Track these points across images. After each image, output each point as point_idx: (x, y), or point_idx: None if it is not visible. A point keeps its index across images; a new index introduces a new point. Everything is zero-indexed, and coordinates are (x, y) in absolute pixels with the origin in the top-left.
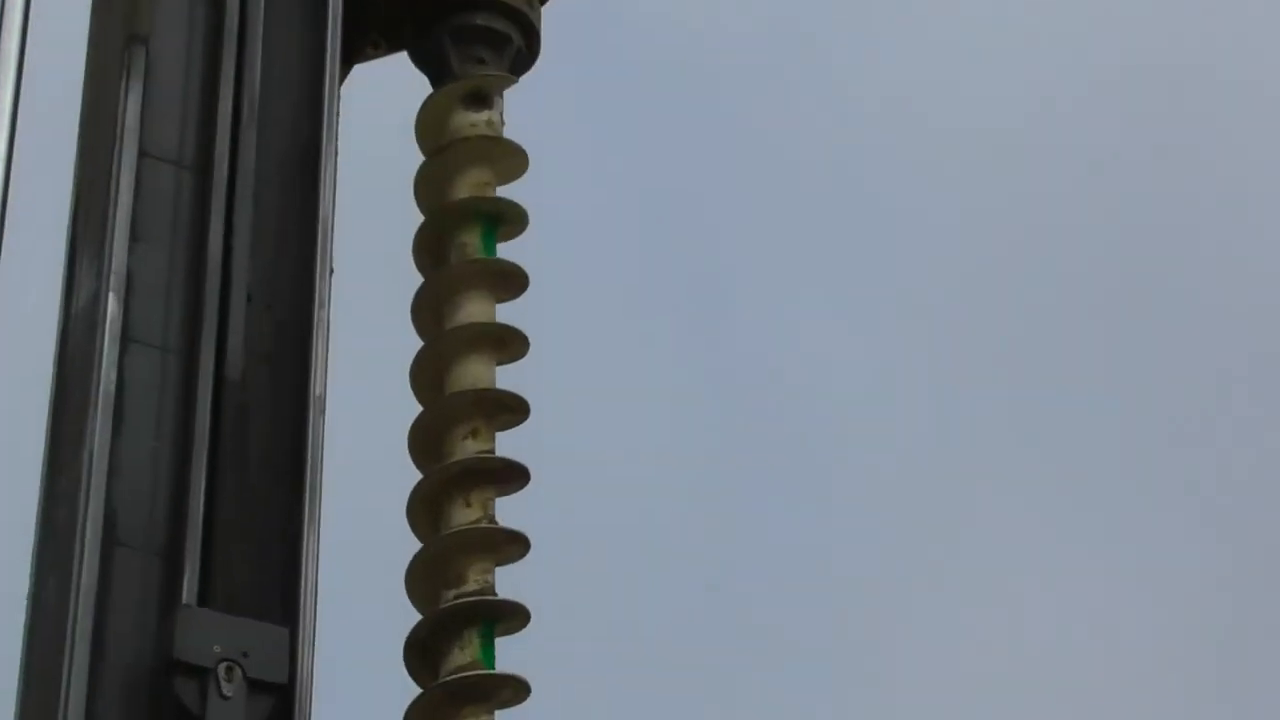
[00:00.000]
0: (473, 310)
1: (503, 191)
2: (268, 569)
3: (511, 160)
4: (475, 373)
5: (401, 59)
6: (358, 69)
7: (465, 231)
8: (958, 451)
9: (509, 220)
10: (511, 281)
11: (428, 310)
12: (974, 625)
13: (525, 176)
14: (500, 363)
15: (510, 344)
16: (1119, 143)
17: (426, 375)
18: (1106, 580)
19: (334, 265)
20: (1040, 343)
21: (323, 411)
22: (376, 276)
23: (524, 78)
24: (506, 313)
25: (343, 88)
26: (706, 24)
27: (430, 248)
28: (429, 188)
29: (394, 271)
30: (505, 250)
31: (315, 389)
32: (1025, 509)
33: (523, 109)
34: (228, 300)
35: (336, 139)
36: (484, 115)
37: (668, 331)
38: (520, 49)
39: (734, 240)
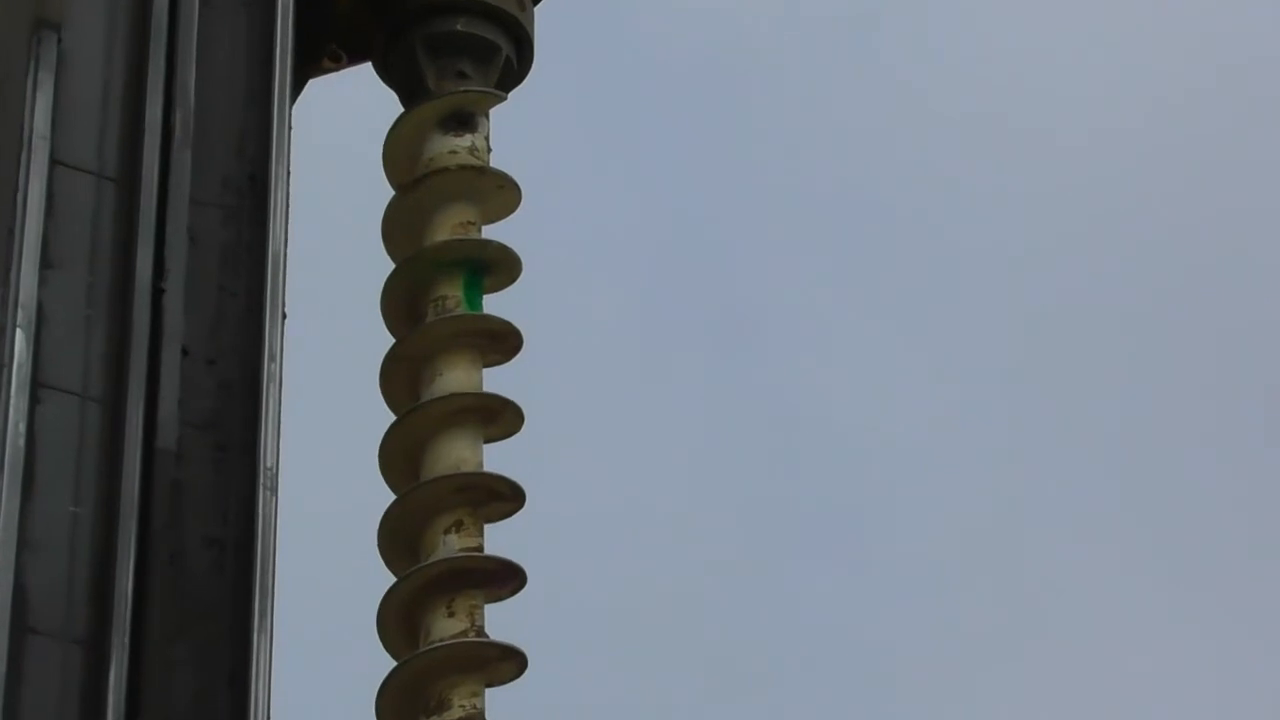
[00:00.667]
0: (455, 379)
1: (489, 232)
2: (209, 679)
3: (500, 195)
4: (459, 453)
5: (366, 73)
6: (314, 84)
7: (445, 282)
8: (1029, 510)
9: (498, 268)
10: (502, 342)
11: (400, 378)
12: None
13: (517, 213)
14: (489, 440)
15: (501, 417)
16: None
17: (400, 456)
18: (1220, 670)
19: (287, 309)
20: (1129, 386)
21: (274, 489)
22: (339, 323)
23: (515, 93)
24: (496, 380)
25: (296, 106)
26: (727, 18)
27: (403, 302)
28: (400, 229)
29: (360, 318)
30: (494, 304)
31: (265, 461)
32: (1120, 578)
33: (513, 127)
34: (158, 350)
35: (288, 162)
36: (466, 140)
37: (688, 371)
38: (509, 59)
39: (764, 264)
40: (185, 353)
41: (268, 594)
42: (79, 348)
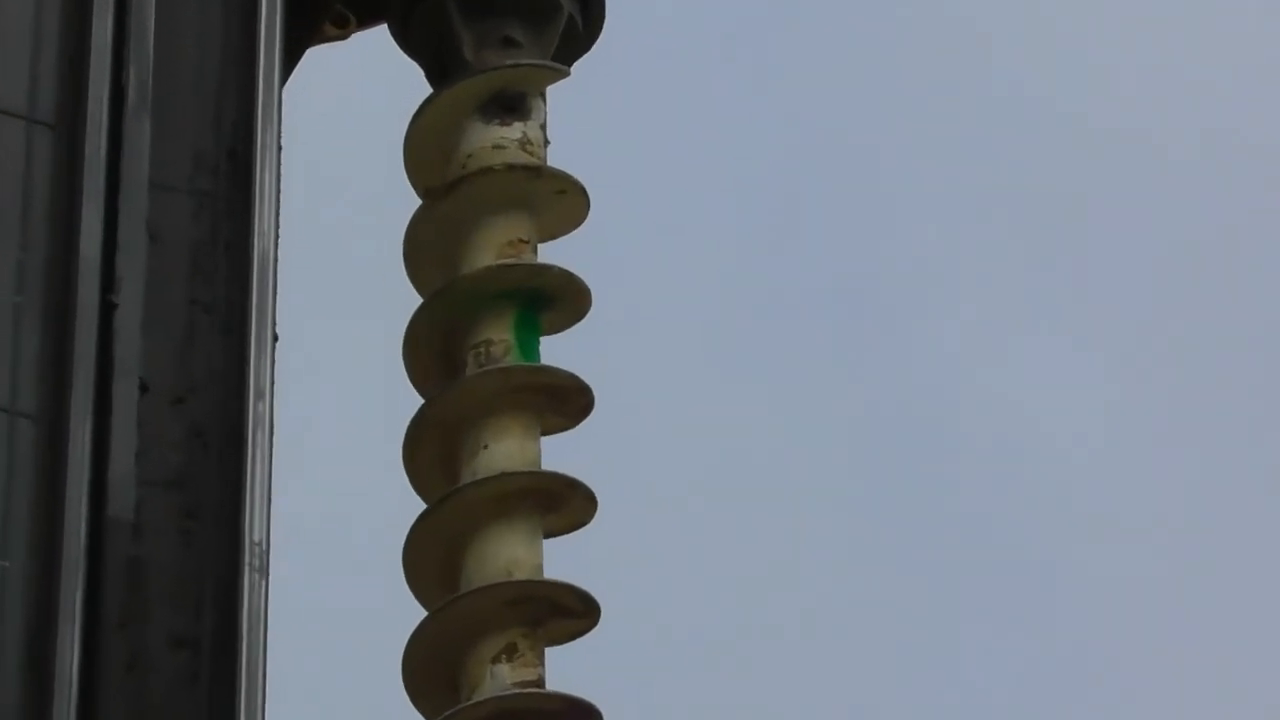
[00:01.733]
0: (506, 452)
1: (548, 254)
2: None
3: (562, 203)
4: (511, 553)
5: (382, 38)
6: (315, 53)
7: (490, 322)
8: (1224, 543)
9: (560, 301)
10: (567, 402)
11: (431, 449)
12: None
13: (585, 223)
14: (552, 534)
15: (566, 503)
16: None
17: (432, 557)
18: None
19: (279, 330)
20: None
21: (264, 571)
22: (352, 348)
23: (580, 65)
24: (558, 448)
25: (293, 77)
26: None
27: (434, 347)
28: (429, 249)
29: (378, 343)
30: (555, 349)
31: (252, 533)
32: None
33: (577, 104)
34: (108, 384)
35: (279, 134)
36: (516, 131)
37: (812, 362)
38: (573, 19)
39: (905, 235)
40: (144, 388)
41: (256, 712)
42: (5, 344)
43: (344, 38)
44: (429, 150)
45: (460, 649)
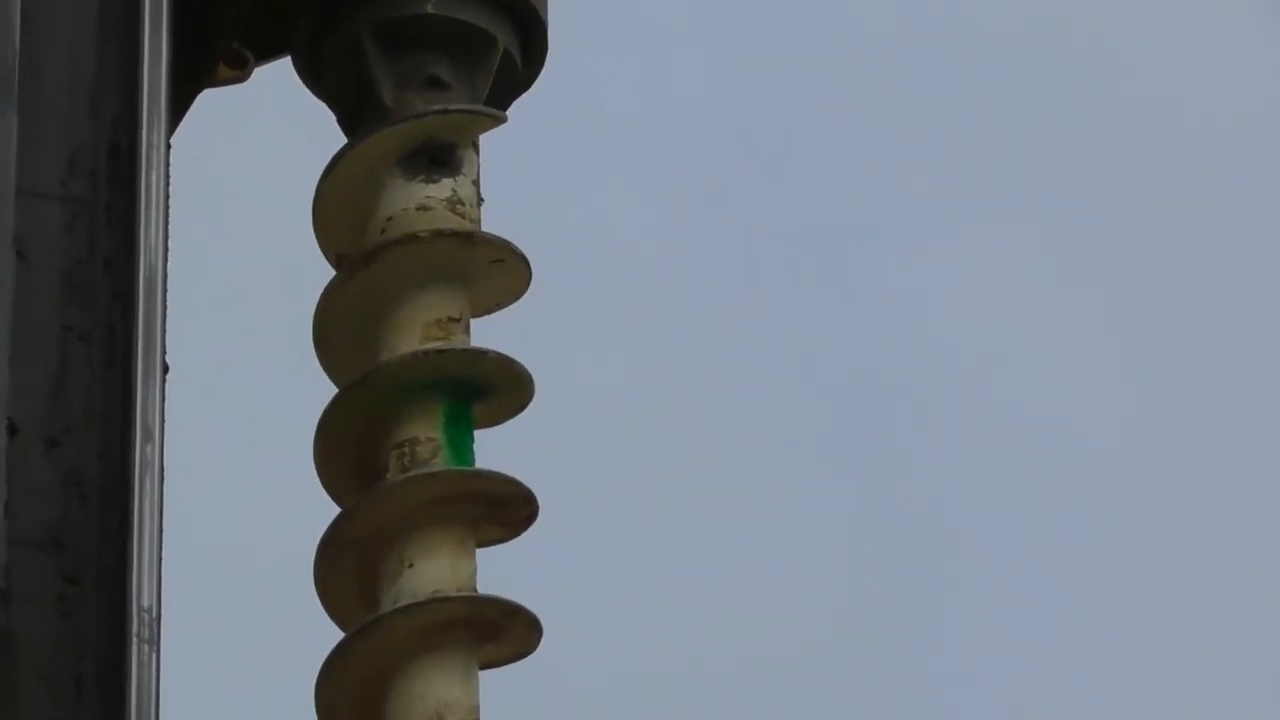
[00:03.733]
0: (432, 575)
1: (482, 334)
2: None
3: (499, 273)
4: (441, 693)
5: (283, 72)
6: (212, 96)
7: (415, 418)
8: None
9: (497, 390)
10: (507, 511)
11: (347, 571)
12: None
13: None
14: (488, 665)
15: (506, 633)
16: None
17: (349, 697)
18: None
19: (169, 359)
20: None
21: (155, 643)
22: (252, 376)
23: (519, 105)
24: (493, 565)
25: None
26: None
27: (350, 448)
28: (344, 328)
29: (286, 366)
30: (490, 446)
31: (140, 599)
32: None
33: (524, 143)
34: None
35: (166, 144)
36: (445, 188)
37: (772, 294)
38: (509, 55)
39: (867, 165)
40: (12, 430)
41: None
42: None
43: (242, 79)
44: (341, 211)
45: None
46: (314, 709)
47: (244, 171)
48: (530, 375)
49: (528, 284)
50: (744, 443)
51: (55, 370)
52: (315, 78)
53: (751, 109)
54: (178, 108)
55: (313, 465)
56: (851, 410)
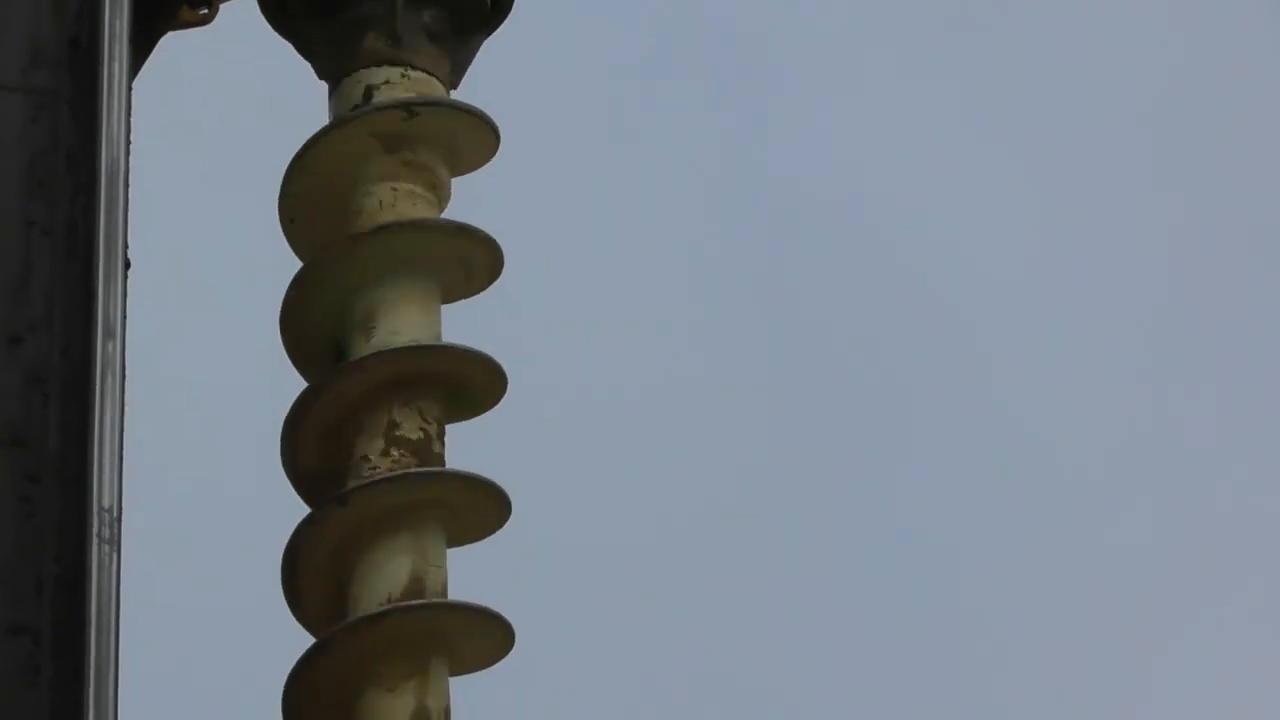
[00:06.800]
0: (392, 570)
1: (454, 327)
2: None
3: (478, 261)
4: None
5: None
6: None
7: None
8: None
9: (473, 395)
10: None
11: (319, 561)
12: None
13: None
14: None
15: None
16: None
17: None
18: None
19: (130, 256)
20: None
21: (116, 543)
22: (213, 272)
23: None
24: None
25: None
26: None
27: (323, 443)
28: (309, 320)
29: (248, 261)
30: (464, 440)
31: (101, 498)
32: None
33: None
34: None
35: (128, 34)
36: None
37: (688, 143)
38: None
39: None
40: None
41: (107, 712)
42: None
43: (206, 21)
44: (316, 187)
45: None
46: (281, 590)
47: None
48: (504, 374)
49: (500, 268)
50: (665, 280)
51: (17, 266)
52: (293, 29)
53: None
54: (139, 52)
55: (277, 354)
56: (772, 247)
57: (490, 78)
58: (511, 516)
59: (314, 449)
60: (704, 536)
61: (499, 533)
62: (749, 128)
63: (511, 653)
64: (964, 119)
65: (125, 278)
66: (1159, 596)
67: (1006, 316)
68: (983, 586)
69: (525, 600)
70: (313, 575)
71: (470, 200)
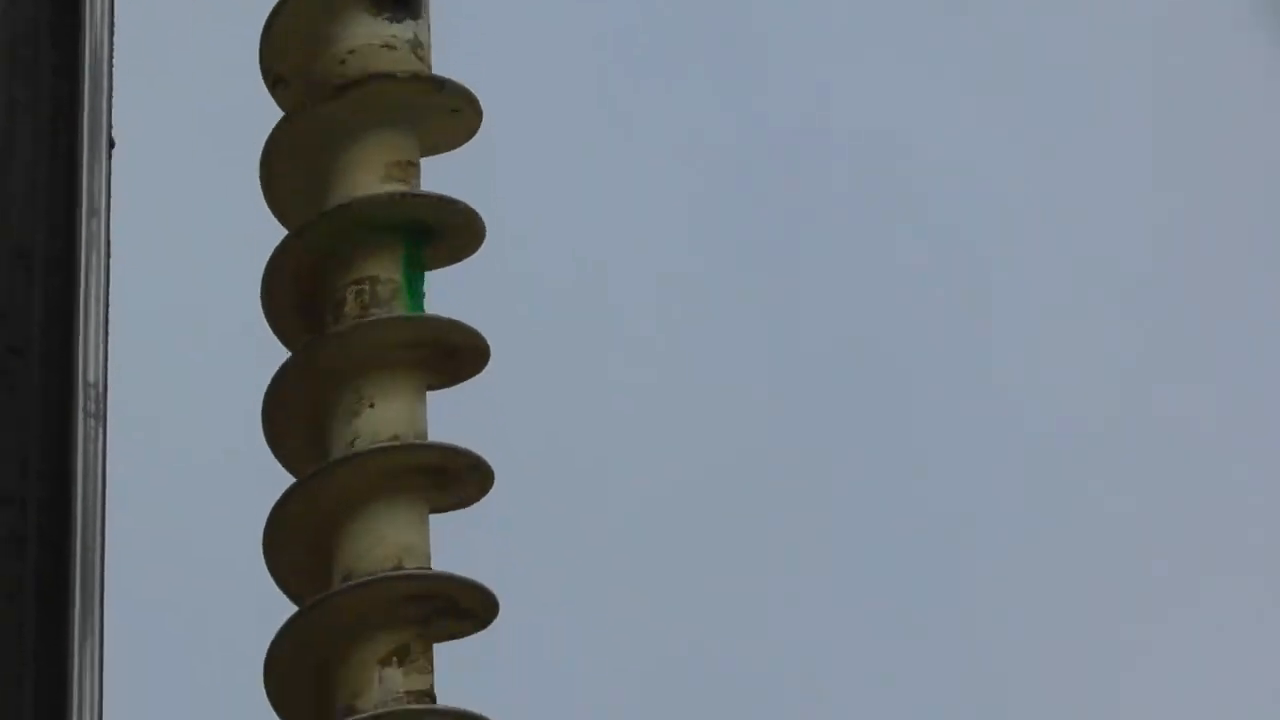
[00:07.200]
0: (386, 416)
1: (434, 176)
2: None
3: (453, 122)
4: (399, 538)
5: None
6: None
7: (371, 258)
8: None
9: (448, 234)
10: (457, 361)
11: (299, 416)
12: None
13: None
14: (438, 509)
15: (454, 481)
16: None
17: (302, 540)
18: None
19: (114, 134)
20: None
21: (102, 417)
22: (197, 150)
23: None
24: (446, 405)
25: None
26: None
27: (300, 286)
28: (294, 170)
29: (233, 139)
30: (443, 287)
31: (86, 373)
32: None
33: None
34: None
35: None
36: (409, 30)
37: (680, 89)
38: None
39: None
40: None
41: (93, 584)
42: None
43: None
44: (296, 35)
45: (340, 650)
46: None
47: None
48: (483, 221)
49: (471, 136)
50: (660, 237)
51: (1, 144)
52: None
53: None
54: None
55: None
56: (772, 246)
57: (475, 48)
58: (508, 516)
59: (291, 292)
60: (704, 536)
61: (484, 550)
62: (748, 127)
63: (509, 658)
64: (964, 118)
65: (109, 156)
66: (1159, 596)
67: (1006, 314)
68: (983, 586)
69: (525, 601)
70: (294, 420)
71: (456, 169)
